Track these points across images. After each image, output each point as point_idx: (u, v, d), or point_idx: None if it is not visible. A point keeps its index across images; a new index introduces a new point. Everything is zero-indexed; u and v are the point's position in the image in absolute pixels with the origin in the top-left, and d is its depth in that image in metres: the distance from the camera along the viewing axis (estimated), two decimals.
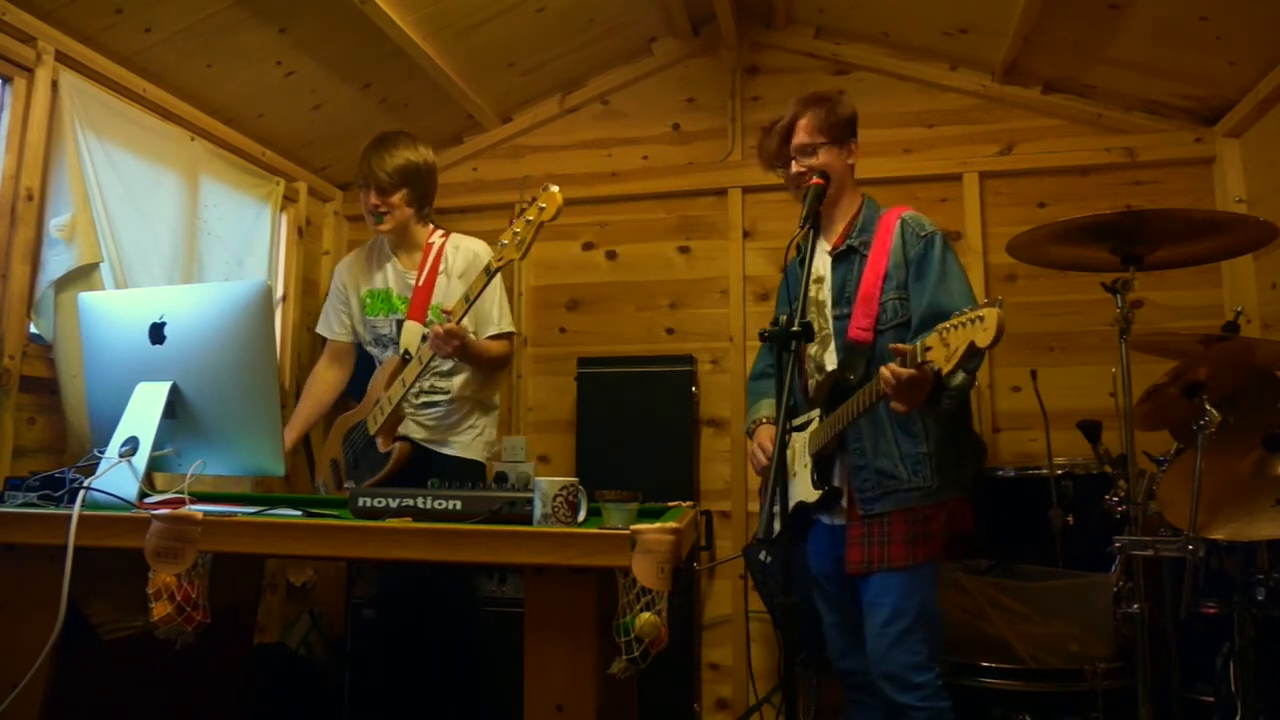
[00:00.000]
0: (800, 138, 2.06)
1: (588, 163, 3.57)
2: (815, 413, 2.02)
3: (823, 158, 2.05)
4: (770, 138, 2.11)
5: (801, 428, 2.07)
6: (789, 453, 2.08)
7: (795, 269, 2.08)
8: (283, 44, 2.78)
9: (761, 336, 2.11)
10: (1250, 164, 2.87)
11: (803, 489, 2.02)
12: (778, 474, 1.55)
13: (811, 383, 2.09)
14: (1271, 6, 2.37)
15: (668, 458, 3.17)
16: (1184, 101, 2.96)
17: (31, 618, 1.49)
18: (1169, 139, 3.03)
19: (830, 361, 2.05)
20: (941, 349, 1.58)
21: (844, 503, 1.98)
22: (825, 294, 2.08)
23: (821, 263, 2.10)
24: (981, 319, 1.50)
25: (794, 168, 2.07)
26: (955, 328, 1.56)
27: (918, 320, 1.92)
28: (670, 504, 1.88)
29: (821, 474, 1.97)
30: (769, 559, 2.21)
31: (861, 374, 1.92)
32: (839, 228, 2.11)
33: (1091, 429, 2.40)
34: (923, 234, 1.99)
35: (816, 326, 2.06)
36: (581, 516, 1.49)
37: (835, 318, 2.04)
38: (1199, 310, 2.90)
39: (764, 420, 2.18)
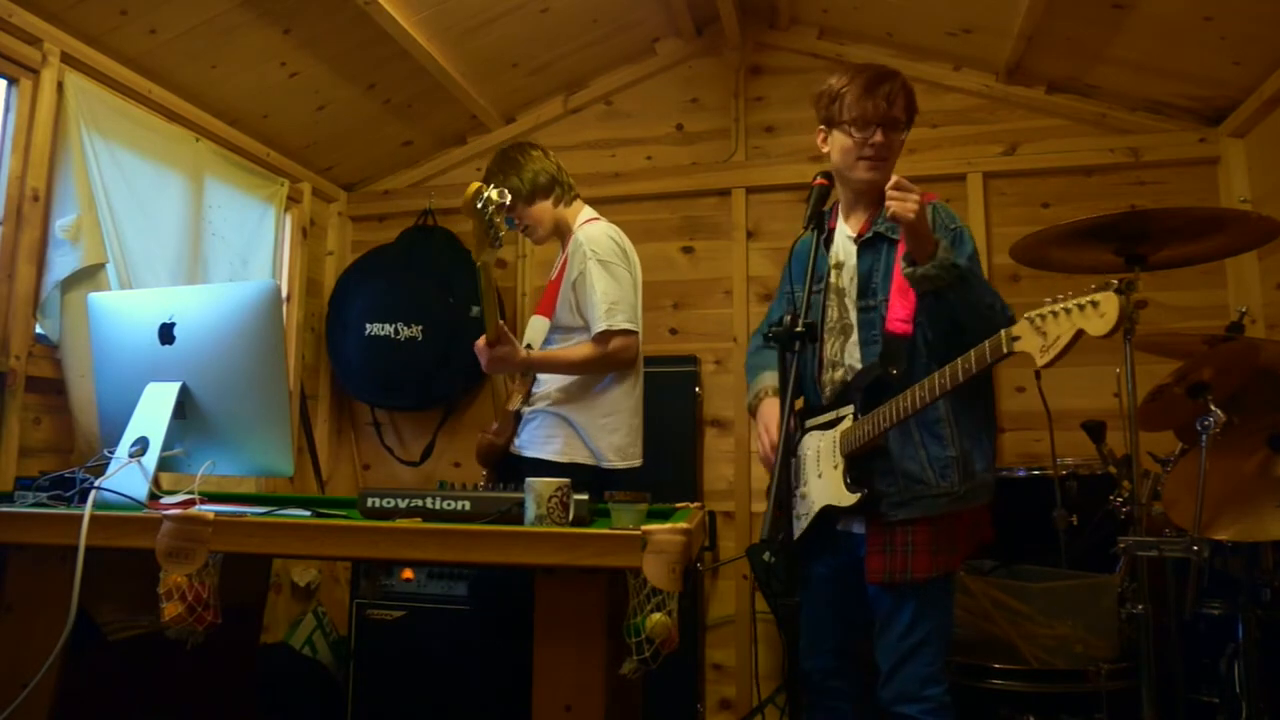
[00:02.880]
0: (897, 110, 1.89)
1: (591, 163, 3.57)
2: (846, 409, 1.89)
3: (900, 139, 1.92)
4: (876, 97, 1.87)
5: (826, 426, 1.93)
6: (814, 454, 1.98)
7: (804, 253, 1.96)
8: (287, 45, 2.79)
9: (765, 336, 2.12)
10: (1255, 164, 2.87)
11: (834, 492, 1.87)
12: (782, 475, 1.52)
13: (829, 377, 1.95)
14: (1276, 6, 2.37)
15: (671, 458, 3.16)
16: (1188, 101, 2.96)
17: (42, 617, 1.50)
18: (1173, 139, 3.03)
19: (852, 354, 1.92)
20: (1035, 338, 1.49)
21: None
22: (847, 281, 1.96)
23: (843, 248, 1.99)
24: (1096, 304, 1.39)
25: (878, 136, 1.88)
26: (1054, 315, 1.45)
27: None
28: (679, 505, 1.88)
29: (856, 476, 1.82)
30: (772, 559, 2.20)
31: (905, 368, 1.81)
32: (864, 214, 1.99)
33: (1096, 429, 2.40)
34: (953, 226, 1.90)
35: (837, 314, 1.96)
36: (570, 516, 1.49)
37: (861, 309, 1.91)
38: (1203, 311, 2.91)
39: (768, 392, 2.02)
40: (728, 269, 3.41)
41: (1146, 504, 2.00)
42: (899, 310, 1.84)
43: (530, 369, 2.26)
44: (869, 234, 1.94)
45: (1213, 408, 1.83)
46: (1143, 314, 1.96)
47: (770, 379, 2.04)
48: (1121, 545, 1.84)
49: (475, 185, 1.91)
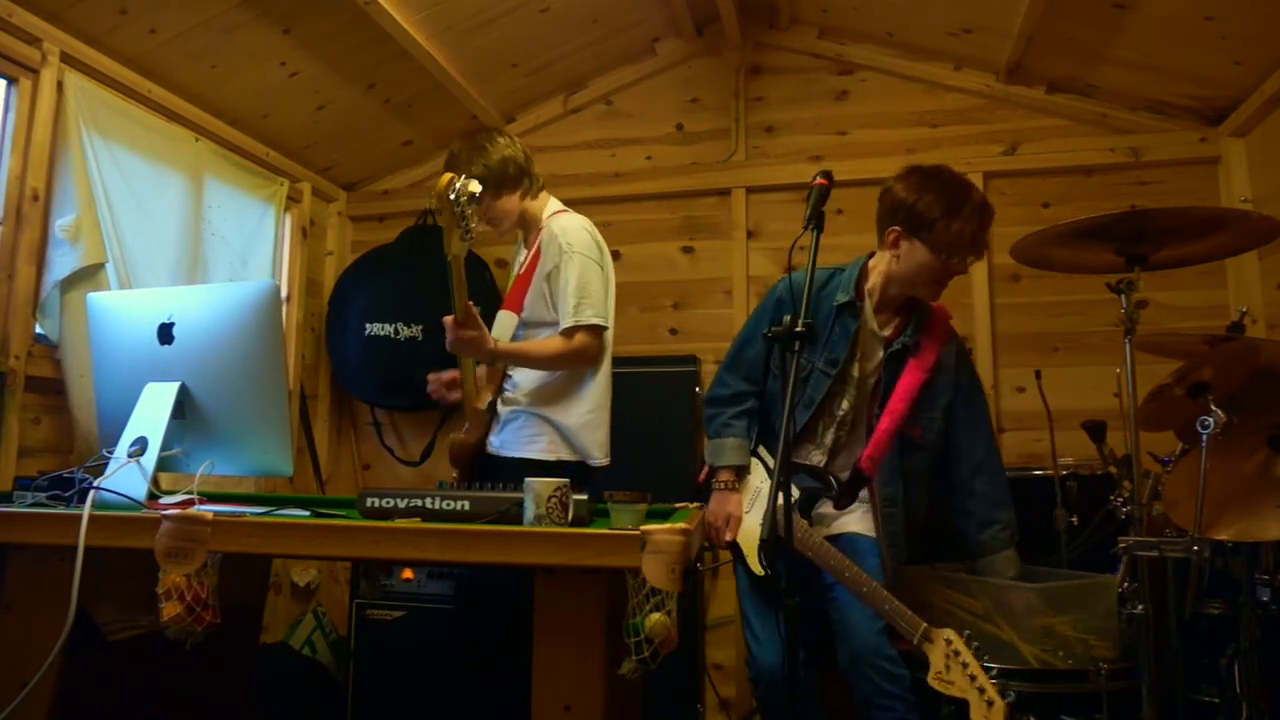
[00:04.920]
0: (983, 244, 2.05)
1: (591, 163, 3.57)
2: (792, 492, 2.04)
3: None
4: (979, 235, 2.03)
5: (770, 472, 2.06)
6: (754, 488, 2.09)
7: (794, 297, 2.07)
8: (287, 45, 2.78)
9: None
10: (1255, 163, 2.87)
11: (754, 538, 2.00)
12: (782, 472, 1.54)
13: (810, 453, 2.07)
14: (1277, 6, 2.37)
15: (671, 458, 3.16)
16: (1189, 101, 2.96)
17: (41, 617, 1.50)
18: (1174, 139, 3.03)
19: (851, 453, 2.05)
20: (940, 658, 1.69)
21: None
22: (867, 378, 2.07)
23: (870, 343, 2.07)
24: (991, 704, 1.62)
25: (965, 266, 2.03)
26: (964, 667, 1.66)
27: (970, 468, 2.09)
28: (678, 505, 1.88)
29: (768, 554, 1.98)
30: (767, 564, 2.23)
31: (851, 500, 2.02)
32: (892, 316, 2.10)
33: (1096, 429, 2.39)
34: (966, 357, 2.14)
35: (848, 405, 2.06)
36: (569, 516, 1.49)
37: (879, 416, 2.04)
38: (1204, 310, 2.91)
39: (731, 483, 2.07)
40: (728, 269, 3.40)
41: (1147, 504, 2.00)
42: (875, 450, 2.00)
43: (496, 359, 2.21)
44: (896, 345, 2.05)
45: (1213, 408, 1.83)
46: (1143, 314, 1.97)
47: (736, 456, 2.10)
48: (1122, 545, 1.84)
49: (448, 176, 1.88)
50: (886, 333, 2.07)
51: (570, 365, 2.21)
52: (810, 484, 2.04)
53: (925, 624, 1.76)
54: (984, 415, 2.14)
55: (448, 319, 2.06)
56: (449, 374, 2.34)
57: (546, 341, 2.20)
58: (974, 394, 2.12)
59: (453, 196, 1.87)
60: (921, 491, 2.10)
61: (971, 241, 1.97)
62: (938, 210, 1.94)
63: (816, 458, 2.07)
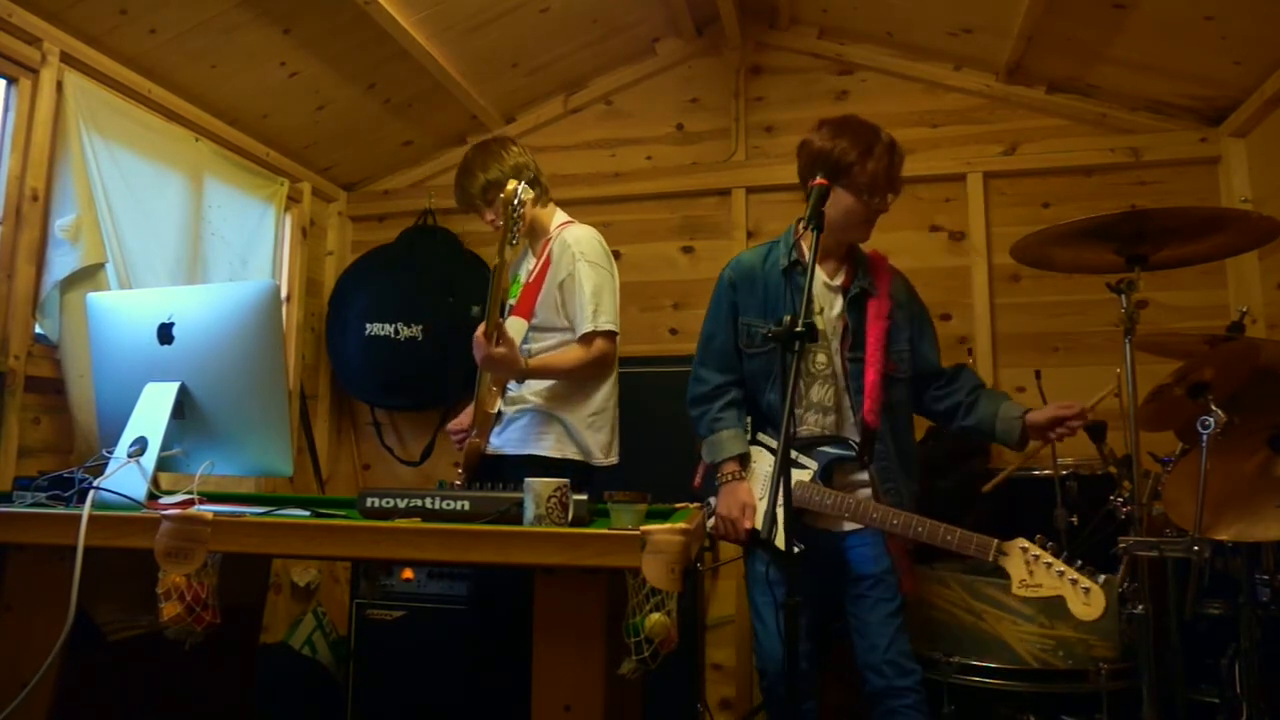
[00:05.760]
0: (898, 176, 2.07)
1: (591, 163, 3.57)
2: (808, 463, 2.03)
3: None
4: (893, 169, 2.05)
5: (774, 452, 2.04)
6: (763, 475, 2.08)
7: (751, 276, 2.13)
8: (287, 45, 2.79)
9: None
10: (1256, 164, 2.87)
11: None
12: (782, 471, 1.53)
13: (812, 418, 2.07)
14: (1277, 6, 2.37)
15: (671, 458, 3.16)
16: (1189, 101, 2.96)
17: (41, 617, 1.50)
18: (1174, 139, 3.03)
19: (844, 403, 2.07)
20: (1021, 567, 1.68)
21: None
22: (831, 329, 2.09)
23: (823, 294, 2.10)
24: (1088, 591, 1.60)
25: (886, 204, 2.07)
26: (1048, 566, 1.63)
27: (939, 378, 2.17)
28: (678, 505, 1.89)
29: (793, 529, 1.92)
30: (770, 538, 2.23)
31: (871, 456, 2.03)
32: (838, 264, 2.14)
33: (1096, 429, 2.39)
34: (913, 289, 2.21)
35: (824, 359, 2.08)
36: (569, 516, 1.49)
37: (851, 360, 2.07)
38: (1204, 310, 2.91)
39: (736, 474, 2.06)
40: None
41: (1147, 504, 2.00)
42: (870, 401, 2.03)
43: (526, 376, 2.27)
44: (854, 289, 2.10)
45: (1213, 408, 1.83)
46: (1143, 314, 1.97)
47: (735, 446, 2.10)
48: (1122, 545, 1.84)
49: (514, 183, 1.98)
50: (839, 281, 2.12)
51: (591, 371, 2.29)
52: (824, 449, 2.05)
53: (996, 540, 1.76)
54: (935, 336, 2.23)
55: (478, 335, 2.12)
56: (467, 419, 2.39)
57: (567, 353, 2.27)
58: (926, 320, 2.22)
59: (515, 202, 1.96)
60: (906, 420, 2.16)
61: (887, 179, 2.04)
62: (854, 154, 2.00)
63: (812, 419, 2.09)
